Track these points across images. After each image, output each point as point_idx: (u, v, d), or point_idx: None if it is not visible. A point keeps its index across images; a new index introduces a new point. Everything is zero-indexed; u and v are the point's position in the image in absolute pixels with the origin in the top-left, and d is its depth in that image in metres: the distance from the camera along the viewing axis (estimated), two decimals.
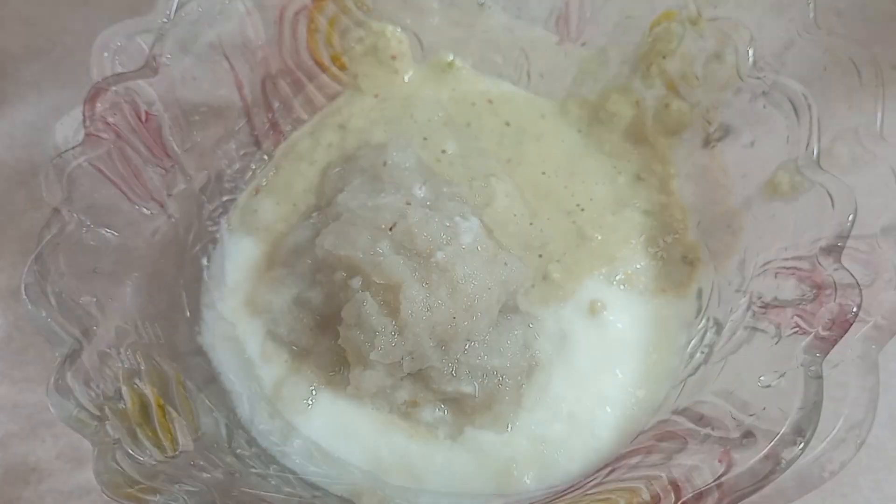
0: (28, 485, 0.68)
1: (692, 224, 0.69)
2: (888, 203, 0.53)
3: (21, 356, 0.74)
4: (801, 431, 0.47)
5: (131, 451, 0.48)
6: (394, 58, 0.75)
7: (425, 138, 0.73)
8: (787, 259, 0.56)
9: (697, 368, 0.61)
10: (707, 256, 0.66)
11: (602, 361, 0.63)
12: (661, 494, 0.48)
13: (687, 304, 0.66)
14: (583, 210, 0.70)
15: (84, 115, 0.60)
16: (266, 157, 0.75)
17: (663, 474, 0.50)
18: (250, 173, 0.73)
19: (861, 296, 0.50)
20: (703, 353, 0.61)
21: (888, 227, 0.53)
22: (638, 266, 0.68)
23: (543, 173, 0.72)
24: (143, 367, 0.55)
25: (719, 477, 0.47)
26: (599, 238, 0.68)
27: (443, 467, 0.59)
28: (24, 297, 0.52)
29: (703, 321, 0.63)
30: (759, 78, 0.62)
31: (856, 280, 0.51)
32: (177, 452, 0.52)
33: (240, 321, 0.66)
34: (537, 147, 0.74)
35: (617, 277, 0.67)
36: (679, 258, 0.68)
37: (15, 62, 0.92)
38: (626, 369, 0.63)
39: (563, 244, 0.68)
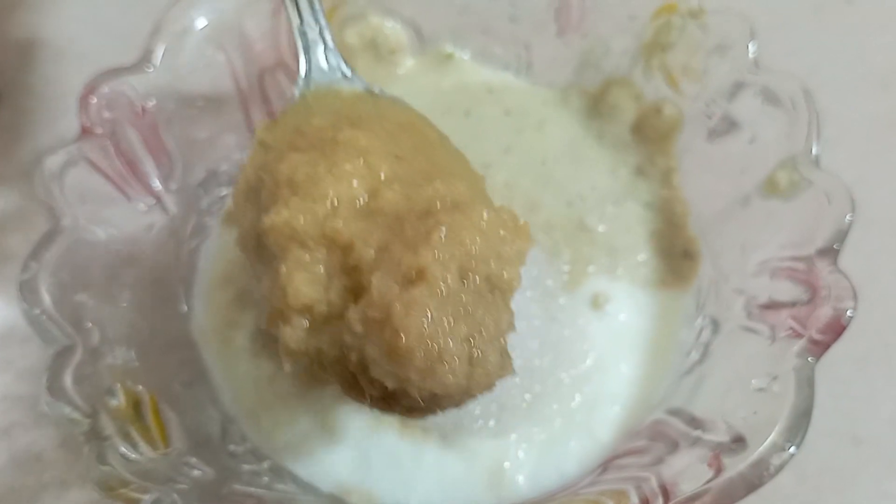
0: (31, 473, 0.69)
1: (692, 217, 0.68)
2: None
3: (24, 346, 0.75)
4: (792, 437, 0.46)
5: (123, 450, 0.49)
6: (393, 52, 0.74)
7: None
8: (783, 259, 0.56)
9: (693, 367, 0.60)
10: (706, 252, 0.66)
11: (604, 356, 0.63)
12: (649, 498, 0.48)
13: (689, 298, 0.65)
14: (584, 200, 0.70)
15: (78, 109, 0.60)
16: None
17: (653, 477, 0.50)
18: None
19: (856, 299, 0.50)
20: (698, 351, 0.61)
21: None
22: (640, 258, 0.67)
23: (543, 162, 0.72)
24: (137, 364, 0.56)
25: (708, 482, 0.47)
26: (601, 229, 0.68)
27: (432, 467, 0.59)
28: (20, 294, 0.52)
29: (700, 318, 0.63)
30: (757, 73, 0.61)
31: (851, 283, 0.50)
32: (169, 450, 0.52)
33: (231, 314, 0.66)
34: (537, 136, 0.73)
35: (619, 270, 0.66)
36: (680, 252, 0.67)
37: (19, 51, 0.92)
38: (629, 365, 0.63)
39: (564, 234, 0.68)
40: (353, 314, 0.44)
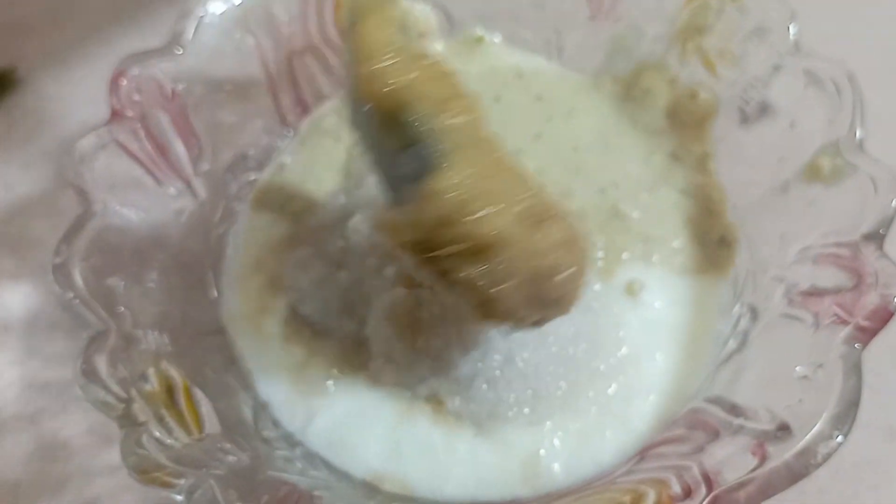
0: (57, 461, 0.69)
1: (729, 205, 0.67)
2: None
3: (50, 332, 0.74)
4: (840, 426, 0.46)
5: (158, 435, 0.48)
6: (422, 36, 0.73)
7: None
8: (826, 245, 0.55)
9: (731, 356, 0.59)
10: (743, 241, 0.64)
11: (640, 346, 0.62)
12: (692, 487, 0.47)
13: (726, 286, 0.64)
14: (617, 187, 0.68)
15: (109, 92, 0.60)
16: (292, 133, 0.74)
17: (694, 465, 0.49)
18: (276, 151, 0.73)
19: None
20: (736, 340, 0.60)
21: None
22: (675, 245, 0.66)
23: (575, 149, 0.70)
24: (170, 349, 0.55)
25: (753, 470, 0.46)
26: (635, 216, 0.67)
27: (467, 455, 0.58)
28: (53, 278, 0.52)
29: (738, 307, 0.62)
30: (798, 56, 0.60)
31: None
32: (203, 434, 0.52)
33: (262, 300, 0.65)
34: (569, 122, 0.72)
35: (654, 257, 0.65)
36: (717, 239, 0.66)
37: (40, 37, 0.92)
38: (664, 354, 0.62)
39: (597, 222, 0.67)
40: (557, 231, 0.47)
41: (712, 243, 0.66)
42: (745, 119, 0.66)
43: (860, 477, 0.66)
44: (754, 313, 0.60)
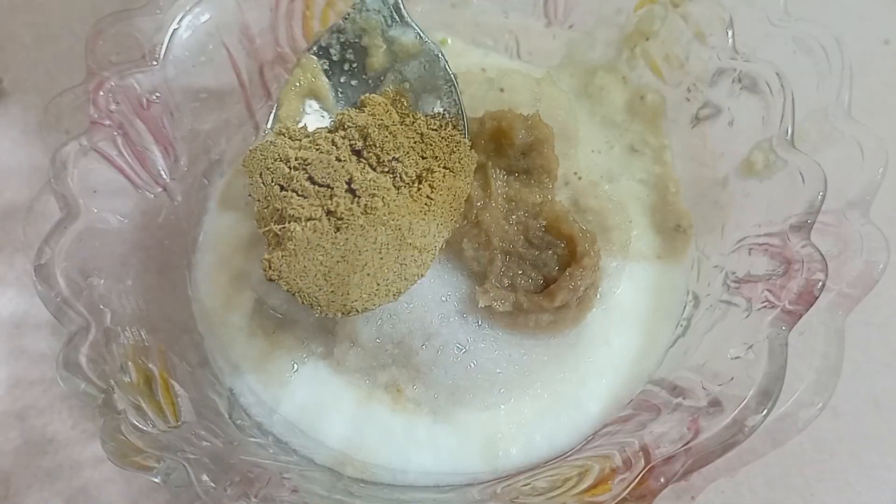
0: (46, 454, 0.72)
1: (683, 195, 0.70)
2: (855, 178, 0.55)
3: (37, 333, 0.77)
4: (764, 400, 0.49)
5: (136, 422, 0.51)
6: None
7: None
8: (760, 236, 0.58)
9: (676, 341, 0.63)
10: (696, 227, 0.68)
11: (596, 332, 0.64)
12: (632, 459, 0.51)
13: (683, 271, 0.67)
14: (580, 179, 0.71)
15: (89, 103, 0.63)
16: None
17: (635, 441, 0.53)
18: None
19: (827, 271, 0.53)
20: (681, 325, 0.64)
21: (854, 200, 0.55)
22: (635, 233, 0.69)
23: None
24: (148, 345, 0.58)
25: (687, 443, 0.49)
26: (596, 207, 0.68)
27: (426, 442, 0.61)
28: (35, 278, 0.55)
29: (683, 294, 0.66)
30: (736, 59, 0.63)
31: (822, 255, 0.53)
32: (179, 423, 0.55)
33: (228, 296, 0.67)
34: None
35: (614, 246, 0.67)
36: (673, 226, 0.69)
37: (26, 50, 0.95)
38: (622, 339, 0.64)
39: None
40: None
41: (669, 230, 0.69)
42: (690, 119, 0.69)
43: (804, 452, 0.68)
44: (696, 300, 0.63)
